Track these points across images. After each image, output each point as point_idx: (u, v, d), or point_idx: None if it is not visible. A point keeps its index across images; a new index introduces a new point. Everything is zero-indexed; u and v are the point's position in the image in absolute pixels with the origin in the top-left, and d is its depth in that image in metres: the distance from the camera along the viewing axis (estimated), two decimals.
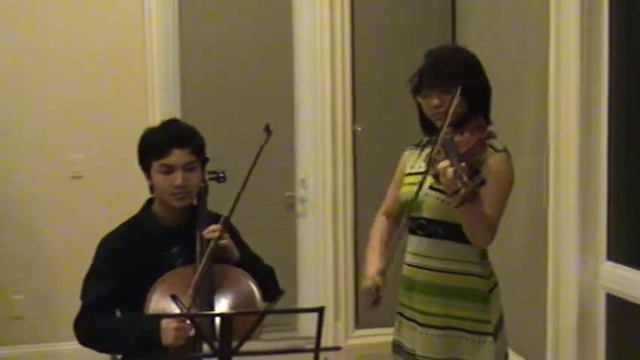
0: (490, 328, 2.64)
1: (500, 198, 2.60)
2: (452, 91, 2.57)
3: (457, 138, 2.54)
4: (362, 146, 4.76)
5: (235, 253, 2.70)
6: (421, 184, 2.59)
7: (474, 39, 4.56)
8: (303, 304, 4.75)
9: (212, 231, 2.62)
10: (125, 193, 4.03)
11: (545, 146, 3.60)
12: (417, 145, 2.85)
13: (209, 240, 2.61)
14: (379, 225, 2.90)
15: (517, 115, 3.99)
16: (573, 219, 3.42)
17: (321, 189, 4.74)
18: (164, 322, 2.41)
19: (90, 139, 4.57)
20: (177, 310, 2.28)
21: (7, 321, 4.52)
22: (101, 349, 2.63)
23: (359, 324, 4.82)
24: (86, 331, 2.61)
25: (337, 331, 4.73)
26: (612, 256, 3.37)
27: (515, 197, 3.92)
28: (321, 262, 4.76)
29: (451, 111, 2.53)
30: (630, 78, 3.33)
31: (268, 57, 4.83)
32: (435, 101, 2.62)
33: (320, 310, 2.00)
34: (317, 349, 2.03)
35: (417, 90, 2.70)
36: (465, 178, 2.24)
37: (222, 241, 2.62)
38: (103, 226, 2.79)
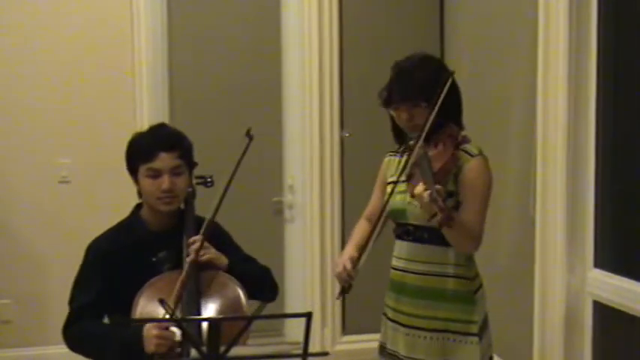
0: (475, 329, 2.69)
1: (481, 204, 2.62)
2: (420, 105, 2.62)
3: (431, 152, 2.55)
4: (350, 152, 4.77)
5: (221, 262, 2.69)
6: (390, 194, 2.65)
7: (462, 45, 4.58)
8: (290, 310, 4.75)
9: (194, 250, 2.60)
10: (113, 197, 4.03)
11: (532, 154, 3.62)
12: (396, 152, 2.89)
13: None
14: (360, 227, 2.94)
15: (504, 123, 4.00)
16: (560, 226, 3.44)
17: (309, 194, 4.75)
18: (146, 330, 2.40)
19: (77, 144, 4.57)
20: (164, 315, 2.28)
21: None
22: (90, 356, 2.62)
23: (346, 330, 4.83)
24: (74, 337, 2.60)
25: (324, 337, 4.73)
26: (599, 263, 3.38)
27: (503, 205, 3.95)
28: (308, 267, 4.76)
29: (425, 130, 2.55)
30: (619, 86, 3.35)
31: (256, 62, 4.84)
32: (404, 115, 2.68)
33: (308, 316, 2.00)
34: (305, 354, 2.03)
35: (386, 104, 2.75)
36: (440, 202, 2.27)
37: (203, 258, 2.61)
38: (91, 230, 2.79)
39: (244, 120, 4.79)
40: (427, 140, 2.59)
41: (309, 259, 4.75)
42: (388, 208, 2.72)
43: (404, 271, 2.74)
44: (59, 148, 4.56)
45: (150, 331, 2.39)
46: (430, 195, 2.30)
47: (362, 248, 2.68)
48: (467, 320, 2.69)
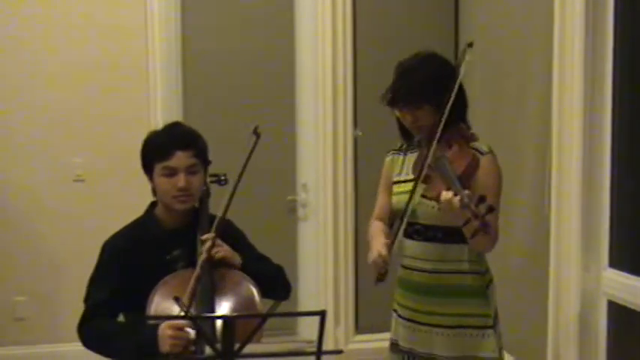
0: (490, 322, 2.73)
1: (495, 203, 2.58)
2: (424, 107, 2.61)
3: (448, 154, 2.52)
4: (363, 151, 4.77)
5: (235, 260, 2.69)
6: (411, 196, 2.61)
7: (476, 42, 4.56)
8: (303, 308, 4.75)
9: (207, 249, 2.62)
10: (127, 195, 4.04)
11: (547, 152, 3.60)
12: (398, 150, 2.88)
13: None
14: (377, 225, 2.89)
15: (520, 121, 3.99)
16: (575, 226, 3.42)
17: (322, 193, 4.75)
18: (161, 330, 2.40)
19: (92, 143, 4.59)
20: (179, 312, 2.29)
21: (10, 322, 4.54)
22: (105, 354, 2.62)
23: (359, 329, 4.83)
24: (89, 335, 2.61)
25: (337, 335, 4.73)
26: (614, 263, 3.37)
27: (517, 204, 3.94)
28: (321, 266, 4.76)
29: (437, 135, 2.54)
30: (635, 83, 3.33)
31: (270, 61, 4.83)
32: (409, 117, 2.67)
33: (322, 314, 2.00)
34: (319, 352, 2.03)
35: (390, 105, 2.72)
36: (473, 207, 2.21)
37: (217, 255, 2.63)
38: (105, 228, 2.80)
39: (258, 119, 4.79)
40: (438, 141, 2.57)
41: (323, 257, 4.75)
42: (399, 207, 2.71)
43: (418, 270, 2.74)
44: (74, 147, 4.58)
45: (165, 331, 2.39)
46: (461, 201, 2.26)
47: (394, 235, 2.66)
48: (483, 314, 2.72)
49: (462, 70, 2.56)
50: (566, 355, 3.53)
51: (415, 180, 2.61)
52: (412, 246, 2.76)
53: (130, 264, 2.63)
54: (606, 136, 3.36)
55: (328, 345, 4.57)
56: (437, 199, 2.46)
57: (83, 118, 4.57)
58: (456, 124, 2.64)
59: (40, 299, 4.51)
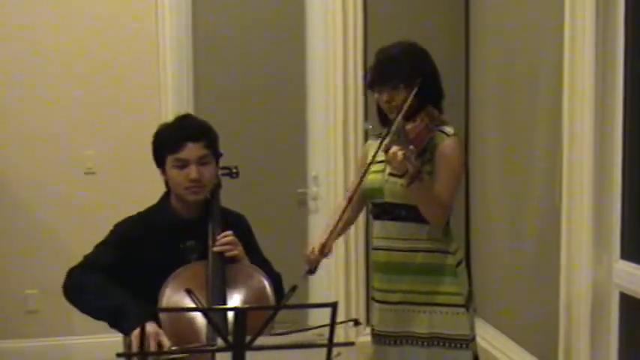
0: (462, 300, 2.83)
1: (451, 178, 2.78)
2: (399, 87, 2.77)
3: (408, 126, 2.71)
4: None
5: (245, 261, 2.72)
6: (364, 172, 2.80)
7: (487, 36, 4.56)
8: (314, 300, 4.76)
9: (224, 243, 2.65)
10: (138, 188, 4.06)
11: (558, 144, 3.59)
12: (377, 135, 3.01)
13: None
14: (337, 208, 3.09)
15: (530, 112, 3.98)
16: (587, 217, 3.41)
17: (333, 186, 4.75)
18: (150, 325, 2.39)
19: (103, 136, 4.61)
20: (191, 304, 2.29)
21: (22, 315, 4.57)
22: (78, 302, 2.60)
23: (370, 321, 4.82)
24: (76, 277, 2.61)
25: (348, 328, 4.73)
26: (626, 254, 3.35)
27: (529, 195, 3.93)
28: (331, 259, 4.76)
29: (405, 107, 2.72)
30: None
31: (281, 55, 4.84)
32: (385, 97, 2.83)
33: (333, 305, 2.00)
34: (330, 345, 2.03)
35: (370, 86, 2.91)
36: (413, 160, 2.47)
37: (229, 253, 2.66)
38: (117, 220, 2.80)
39: (269, 112, 4.83)
40: (407, 119, 2.74)
41: (333, 249, 4.75)
42: (363, 186, 2.86)
43: (388, 249, 2.87)
44: (85, 140, 4.60)
45: (156, 328, 2.39)
46: (404, 154, 2.49)
47: (330, 232, 2.87)
48: (454, 292, 2.82)
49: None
50: (577, 346, 3.52)
51: (375, 151, 2.77)
52: (380, 226, 2.91)
53: (140, 247, 2.64)
54: (618, 127, 3.34)
55: (339, 337, 4.57)
56: (386, 154, 2.64)
57: (94, 111, 4.59)
58: (425, 106, 2.77)
59: (52, 292, 4.47)
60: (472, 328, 2.86)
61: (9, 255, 4.54)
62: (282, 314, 2.15)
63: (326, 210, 4.80)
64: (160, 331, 2.38)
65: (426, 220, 2.78)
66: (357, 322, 2.39)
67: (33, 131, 4.53)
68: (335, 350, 2.07)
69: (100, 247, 2.70)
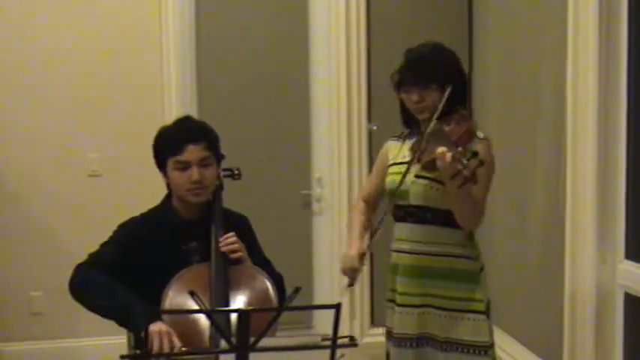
0: (482, 307, 2.77)
1: (487, 182, 2.71)
2: (431, 87, 2.71)
3: (446, 128, 2.65)
4: (377, 145, 4.74)
5: (248, 263, 2.72)
6: (405, 173, 2.72)
7: (490, 36, 4.56)
8: (318, 302, 4.76)
9: (227, 244, 2.66)
10: (142, 190, 4.05)
11: (562, 144, 3.59)
12: (398, 137, 2.96)
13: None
14: (358, 209, 3.04)
15: (534, 114, 3.98)
16: (591, 217, 3.41)
17: (337, 187, 4.75)
18: (153, 325, 2.40)
19: (107, 138, 4.60)
20: (194, 306, 2.29)
21: (26, 317, 4.57)
22: (85, 300, 2.59)
23: (374, 322, 4.83)
24: (83, 274, 2.61)
25: (353, 328, 4.74)
26: (631, 254, 3.35)
27: (533, 197, 3.93)
28: (336, 260, 4.74)
29: (440, 108, 2.66)
30: None
31: (284, 55, 4.83)
32: (415, 97, 2.75)
33: (337, 307, 2.00)
34: (334, 346, 2.03)
35: (398, 87, 2.83)
36: (465, 160, 2.36)
37: (233, 255, 2.67)
38: (121, 222, 2.81)
39: (272, 114, 4.83)
40: (439, 119, 2.68)
41: (338, 251, 4.74)
42: (391, 187, 2.81)
43: (411, 253, 2.81)
44: (89, 143, 4.60)
45: (162, 327, 2.39)
46: (453, 155, 2.40)
47: (368, 244, 2.85)
48: (475, 299, 2.76)
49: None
50: (582, 346, 3.52)
51: (412, 154, 2.72)
52: (403, 228, 2.83)
53: (143, 247, 2.65)
54: (621, 128, 3.34)
55: (343, 338, 4.58)
56: (432, 163, 2.58)
57: (97, 114, 4.59)
58: (456, 108, 2.72)
59: (56, 294, 4.50)
60: (491, 334, 2.81)
61: (13, 257, 4.54)
62: (285, 315, 2.15)
63: (330, 211, 4.80)
64: (172, 331, 2.38)
65: (451, 224, 2.72)
66: (352, 339, 2.30)
67: (36, 134, 4.53)
68: (339, 351, 2.07)
69: (105, 246, 2.71)
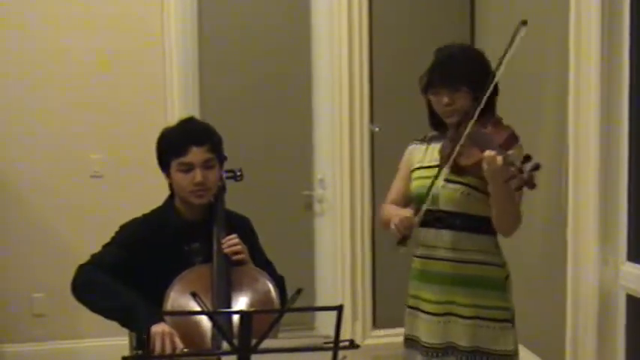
0: (509, 315, 2.73)
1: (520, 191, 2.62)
2: (462, 90, 2.65)
3: (485, 131, 2.58)
4: (379, 146, 4.76)
5: (250, 264, 2.72)
6: (437, 176, 2.64)
7: (492, 38, 4.55)
8: (320, 303, 4.76)
9: (230, 246, 2.66)
10: (144, 191, 4.06)
11: (564, 146, 3.59)
12: (421, 140, 2.91)
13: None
14: (392, 206, 2.90)
15: (536, 115, 3.97)
16: (593, 219, 3.40)
17: (339, 188, 4.75)
18: (156, 326, 2.40)
19: (109, 139, 4.61)
20: (196, 308, 2.29)
21: (29, 318, 4.57)
22: (88, 301, 2.60)
23: (376, 324, 4.82)
24: (86, 275, 2.61)
25: (355, 330, 4.73)
26: (633, 256, 3.34)
27: (535, 198, 3.92)
28: (338, 261, 4.76)
29: (476, 114, 2.57)
30: None
31: (286, 57, 4.84)
32: (445, 99, 2.68)
33: (339, 309, 2.00)
34: (336, 347, 2.03)
35: (427, 88, 2.75)
36: (519, 164, 2.28)
37: (236, 257, 2.67)
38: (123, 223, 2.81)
39: (275, 115, 4.83)
40: (458, 127, 2.62)
41: (340, 252, 4.75)
42: (418, 192, 2.74)
43: (437, 259, 2.75)
44: (91, 144, 4.60)
45: (165, 328, 2.39)
46: (504, 158, 2.34)
47: (416, 214, 2.66)
48: (501, 307, 2.72)
49: (513, 47, 2.60)
50: (584, 348, 3.51)
51: (445, 157, 2.62)
52: (431, 234, 2.75)
53: (146, 248, 2.65)
54: (623, 129, 3.33)
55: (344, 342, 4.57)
56: (473, 167, 2.52)
57: (99, 115, 4.59)
58: (489, 112, 2.67)
59: (58, 295, 4.52)
60: (516, 343, 2.76)
61: (15, 258, 4.55)
62: (287, 317, 2.16)
63: (332, 213, 4.80)
64: (174, 332, 2.38)
65: (480, 230, 2.69)
66: (352, 343, 2.28)
67: (39, 135, 4.53)
68: (340, 353, 2.07)
69: (107, 247, 2.71)
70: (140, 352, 2.37)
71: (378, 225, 2.96)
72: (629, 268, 3.33)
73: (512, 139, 2.55)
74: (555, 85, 3.74)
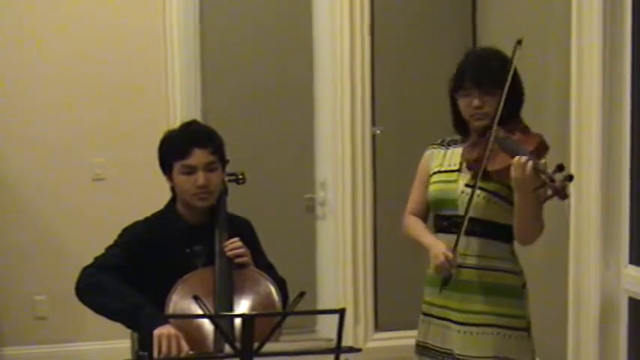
0: (525, 324, 2.70)
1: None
2: (493, 92, 2.59)
3: (514, 137, 2.54)
4: (381, 149, 4.76)
5: (252, 267, 2.72)
6: (473, 186, 2.59)
7: (494, 41, 4.55)
8: (322, 306, 4.74)
9: (232, 249, 2.65)
10: (146, 194, 4.05)
11: (566, 150, 3.59)
12: (439, 144, 2.84)
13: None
14: (415, 220, 2.84)
15: (538, 119, 3.97)
16: (595, 222, 3.40)
17: (341, 191, 4.74)
18: (161, 328, 2.39)
19: (111, 142, 4.61)
20: (198, 311, 2.30)
21: (31, 321, 4.57)
22: (93, 303, 2.59)
23: (378, 327, 4.82)
24: (90, 277, 2.60)
25: (357, 333, 4.73)
26: (635, 259, 3.34)
27: None
28: (340, 264, 4.76)
29: (497, 117, 2.54)
30: None
31: (288, 60, 4.84)
32: (476, 102, 2.62)
33: (341, 312, 2.00)
34: (338, 350, 2.03)
35: (455, 90, 2.69)
36: (550, 172, 2.24)
37: (238, 260, 2.66)
38: (125, 227, 2.81)
39: (275, 116, 4.83)
40: (499, 126, 2.58)
41: (342, 255, 4.75)
42: (437, 196, 2.71)
43: (457, 266, 2.66)
44: (93, 147, 4.60)
45: (170, 329, 2.38)
46: (534, 165, 2.30)
47: (456, 241, 2.61)
48: (519, 315, 2.69)
49: (512, 67, 2.58)
50: (586, 352, 3.51)
51: (475, 161, 2.57)
52: (447, 240, 2.68)
53: (148, 251, 2.65)
54: (625, 133, 3.34)
55: (348, 343, 4.56)
56: (500, 173, 2.48)
57: (102, 118, 4.60)
58: (514, 118, 2.63)
59: (60, 298, 4.52)
60: (533, 352, 2.73)
61: (17, 261, 4.55)
62: (290, 320, 2.16)
63: (334, 216, 4.79)
64: (180, 334, 2.38)
65: (499, 237, 2.65)
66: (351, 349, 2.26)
67: (41, 138, 4.54)
68: (342, 356, 2.07)
69: (110, 249, 2.71)
70: (145, 353, 2.37)
71: (402, 235, 2.90)
72: (631, 272, 3.33)
73: (543, 147, 2.51)
74: (557, 89, 3.74)
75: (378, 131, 4.75)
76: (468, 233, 2.64)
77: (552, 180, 2.23)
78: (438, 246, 2.64)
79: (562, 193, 2.23)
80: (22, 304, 4.57)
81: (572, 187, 3.52)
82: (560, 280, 3.67)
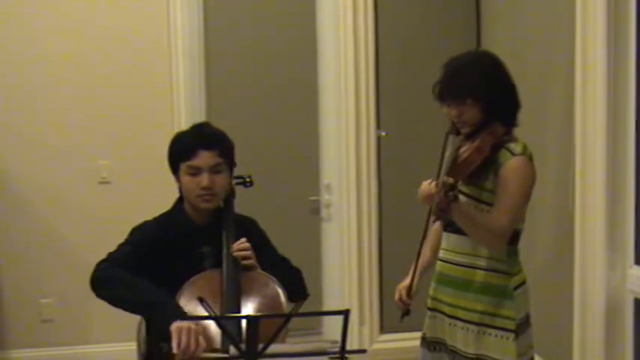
0: (512, 325, 2.68)
1: (510, 202, 2.62)
2: (466, 102, 2.63)
3: (464, 147, 2.62)
4: (386, 151, 4.76)
5: (258, 269, 2.72)
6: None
7: (498, 43, 4.55)
8: (327, 308, 4.75)
9: (240, 250, 2.66)
10: (152, 197, 4.06)
11: (571, 150, 3.59)
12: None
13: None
14: (434, 230, 2.98)
15: (543, 119, 3.97)
16: (600, 223, 3.40)
17: (346, 194, 4.75)
18: (179, 323, 2.39)
19: (117, 145, 4.62)
20: (204, 313, 2.30)
21: (37, 324, 4.58)
22: (109, 296, 2.57)
23: (383, 329, 4.82)
24: (106, 271, 2.60)
25: (362, 335, 4.73)
26: None
27: (542, 202, 3.92)
28: (345, 266, 4.76)
29: (453, 128, 2.71)
30: None
31: (292, 63, 4.84)
32: (454, 112, 2.68)
33: (346, 313, 2.01)
34: (342, 352, 2.04)
35: (438, 99, 2.75)
36: (442, 193, 2.46)
37: (245, 262, 2.67)
38: (131, 229, 2.82)
39: (281, 120, 4.84)
40: (472, 137, 2.64)
41: (347, 257, 4.75)
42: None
43: (445, 261, 2.80)
44: (98, 150, 4.61)
45: (186, 324, 2.38)
46: (437, 184, 2.51)
47: (413, 275, 2.85)
48: (505, 316, 2.68)
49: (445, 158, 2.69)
50: (592, 353, 3.51)
51: (438, 172, 2.65)
52: (446, 238, 2.81)
53: (157, 250, 2.66)
54: (630, 134, 3.34)
55: (353, 344, 4.57)
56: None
57: (107, 121, 4.61)
58: (492, 124, 2.66)
59: (66, 301, 4.54)
60: (520, 355, 2.69)
61: (24, 264, 4.56)
62: (295, 322, 2.16)
63: (338, 218, 4.80)
64: (200, 329, 2.38)
65: None
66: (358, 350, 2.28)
67: (46, 141, 4.55)
68: (347, 358, 2.07)
69: (123, 246, 2.71)
70: (165, 344, 2.37)
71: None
72: (637, 272, 3.34)
73: (474, 155, 2.58)
74: (562, 90, 3.74)
75: (383, 134, 4.75)
76: (458, 231, 2.73)
77: (440, 200, 2.48)
78: (403, 282, 2.90)
79: (443, 211, 2.53)
80: (29, 306, 4.58)
81: (577, 188, 3.54)
82: (566, 281, 3.67)
